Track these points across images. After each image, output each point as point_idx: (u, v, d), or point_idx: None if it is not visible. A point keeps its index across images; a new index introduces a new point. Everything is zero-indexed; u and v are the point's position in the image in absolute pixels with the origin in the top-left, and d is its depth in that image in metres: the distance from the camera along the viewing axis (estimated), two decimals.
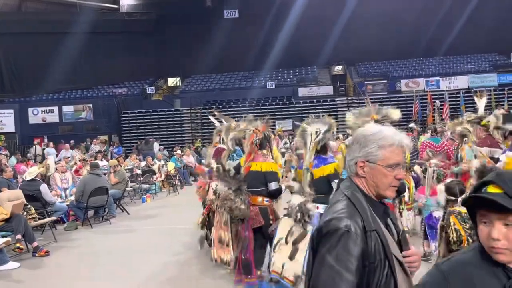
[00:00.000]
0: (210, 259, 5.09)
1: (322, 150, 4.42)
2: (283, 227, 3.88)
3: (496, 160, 4.62)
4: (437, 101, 20.51)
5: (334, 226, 1.49)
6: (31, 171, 8.49)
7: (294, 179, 4.27)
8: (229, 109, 23.64)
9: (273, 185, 4.61)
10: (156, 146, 19.70)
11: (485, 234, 1.29)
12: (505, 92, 20.95)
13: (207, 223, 5.71)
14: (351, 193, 1.60)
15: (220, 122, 6.29)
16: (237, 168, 4.85)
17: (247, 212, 4.52)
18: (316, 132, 4.18)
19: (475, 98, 6.85)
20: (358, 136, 1.68)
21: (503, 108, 16.31)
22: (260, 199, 4.66)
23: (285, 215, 4.03)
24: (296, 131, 12.84)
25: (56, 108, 24.95)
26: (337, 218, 1.51)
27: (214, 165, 5.21)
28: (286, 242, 3.76)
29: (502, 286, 1.28)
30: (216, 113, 6.54)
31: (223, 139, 5.84)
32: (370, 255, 1.49)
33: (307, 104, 24.04)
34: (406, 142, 1.63)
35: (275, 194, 4.71)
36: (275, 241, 3.93)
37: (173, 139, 23.57)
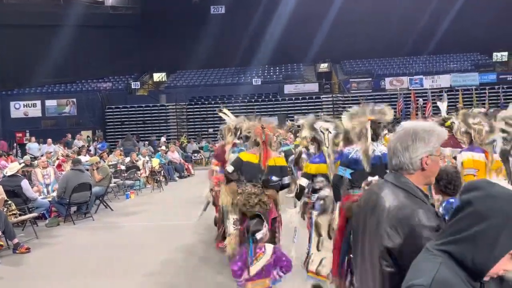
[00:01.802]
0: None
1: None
2: (323, 226, 4.05)
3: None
4: (421, 99, 20.81)
5: (413, 218, 1.65)
6: (12, 167, 8.36)
7: (305, 175, 4.44)
8: (214, 105, 23.57)
9: (286, 179, 4.86)
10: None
11: (502, 265, 1.28)
12: (486, 91, 21.37)
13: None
14: (411, 188, 1.76)
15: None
16: (237, 163, 4.88)
17: (269, 206, 4.63)
18: (327, 129, 4.37)
19: (437, 102, 7.21)
20: (419, 134, 1.77)
21: (483, 107, 16.64)
22: (273, 192, 4.80)
23: (320, 214, 4.18)
24: (283, 128, 12.90)
25: (38, 102, 24.57)
26: (413, 211, 1.66)
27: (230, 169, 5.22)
28: (330, 237, 3.94)
29: None
30: (225, 110, 6.58)
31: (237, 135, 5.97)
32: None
33: (292, 101, 24.16)
34: (446, 135, 1.87)
35: (285, 187, 4.96)
36: (314, 241, 4.16)
37: (158, 135, 23.40)
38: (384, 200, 1.75)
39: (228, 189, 5.05)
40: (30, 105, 24.54)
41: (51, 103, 24.68)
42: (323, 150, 4.47)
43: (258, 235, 3.24)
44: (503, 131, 4.33)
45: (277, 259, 3.26)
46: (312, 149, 5.64)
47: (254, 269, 3.13)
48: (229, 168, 4.88)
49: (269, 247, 3.28)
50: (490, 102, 20.79)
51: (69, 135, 19.85)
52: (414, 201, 1.70)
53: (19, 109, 24.42)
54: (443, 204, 3.21)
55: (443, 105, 6.74)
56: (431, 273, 1.27)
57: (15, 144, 19.90)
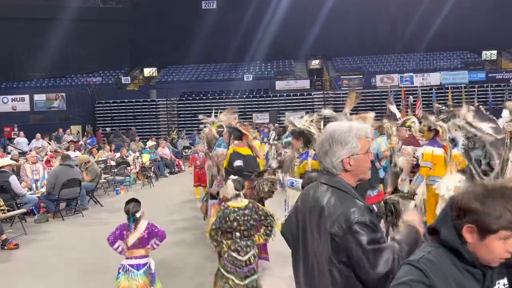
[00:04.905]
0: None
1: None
2: None
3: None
4: (411, 97, 20.92)
5: (353, 218, 1.66)
6: (1, 161, 8.26)
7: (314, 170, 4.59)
8: (205, 101, 23.53)
9: None
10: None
11: (503, 249, 1.35)
12: (475, 89, 21.58)
13: None
14: (342, 185, 1.78)
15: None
16: (242, 157, 5.09)
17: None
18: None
19: (389, 105, 7.86)
20: (336, 137, 1.80)
21: (472, 104, 16.76)
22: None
23: None
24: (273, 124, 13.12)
25: (27, 97, 24.24)
26: (351, 211, 1.67)
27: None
28: None
29: (477, 280, 1.39)
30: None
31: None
32: (378, 226, 1.74)
33: (284, 98, 24.16)
34: (371, 131, 1.91)
35: None
36: None
37: (148, 130, 23.28)
38: (320, 201, 1.77)
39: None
40: (18, 100, 24.20)
41: (40, 97, 24.35)
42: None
43: (138, 214, 3.80)
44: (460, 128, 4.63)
45: (151, 232, 3.86)
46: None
47: (131, 240, 3.77)
48: (239, 162, 4.95)
49: (143, 224, 3.85)
50: (479, 100, 21.00)
51: (61, 130, 19.65)
52: (348, 199, 1.73)
53: (7, 104, 24.08)
54: None
55: (393, 108, 7.39)
56: (420, 254, 1.43)
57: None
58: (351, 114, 5.22)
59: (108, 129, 22.31)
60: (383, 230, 1.82)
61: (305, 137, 4.64)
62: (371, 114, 4.88)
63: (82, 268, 5.64)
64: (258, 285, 3.73)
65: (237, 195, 3.74)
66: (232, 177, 3.97)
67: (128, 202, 3.91)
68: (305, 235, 1.84)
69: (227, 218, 3.63)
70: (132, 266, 3.77)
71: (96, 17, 27.57)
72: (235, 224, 3.61)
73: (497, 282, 1.44)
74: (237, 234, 3.63)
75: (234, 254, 3.63)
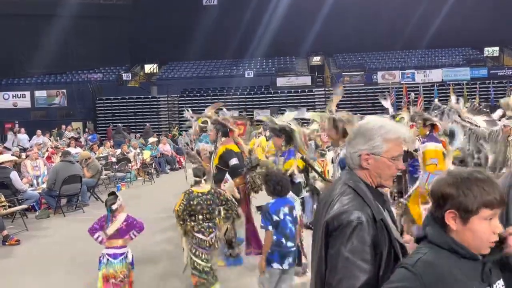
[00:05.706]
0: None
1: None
2: None
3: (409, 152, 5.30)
4: (412, 93, 20.86)
5: (346, 219, 1.54)
6: (1, 158, 8.25)
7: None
8: (206, 97, 23.50)
9: None
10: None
11: (488, 231, 1.36)
12: (477, 86, 21.52)
13: None
14: (356, 184, 1.65)
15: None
16: (236, 155, 5.12)
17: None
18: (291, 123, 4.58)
19: (382, 101, 7.75)
20: (362, 129, 1.71)
21: (474, 101, 16.73)
22: None
23: None
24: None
25: (28, 93, 24.25)
26: (348, 211, 1.56)
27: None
28: None
29: (479, 274, 1.38)
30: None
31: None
32: (380, 243, 1.55)
33: (285, 94, 24.13)
34: (409, 135, 1.73)
35: None
36: None
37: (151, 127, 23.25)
38: (333, 196, 1.69)
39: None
40: (19, 96, 24.22)
41: (41, 94, 24.37)
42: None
43: (114, 207, 4.00)
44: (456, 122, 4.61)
45: (129, 224, 4.07)
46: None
47: (110, 231, 3.97)
48: (235, 161, 4.96)
49: (122, 216, 4.04)
50: (480, 97, 20.96)
51: (63, 126, 19.66)
52: (357, 202, 1.59)
53: (8, 100, 24.09)
54: (269, 206, 3.38)
55: (387, 103, 7.28)
56: (417, 256, 1.39)
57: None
58: (336, 111, 5.16)
59: (119, 125, 22.28)
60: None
61: (287, 135, 4.62)
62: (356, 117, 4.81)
63: (83, 264, 5.63)
64: (214, 269, 4.09)
65: (199, 182, 4.06)
66: (192, 167, 4.11)
67: (110, 194, 4.18)
68: (317, 228, 1.82)
69: (191, 202, 3.95)
70: (110, 255, 4.02)
71: (96, 14, 27.48)
72: (198, 207, 3.94)
73: (496, 283, 1.43)
74: (200, 216, 3.97)
75: (199, 235, 3.97)
